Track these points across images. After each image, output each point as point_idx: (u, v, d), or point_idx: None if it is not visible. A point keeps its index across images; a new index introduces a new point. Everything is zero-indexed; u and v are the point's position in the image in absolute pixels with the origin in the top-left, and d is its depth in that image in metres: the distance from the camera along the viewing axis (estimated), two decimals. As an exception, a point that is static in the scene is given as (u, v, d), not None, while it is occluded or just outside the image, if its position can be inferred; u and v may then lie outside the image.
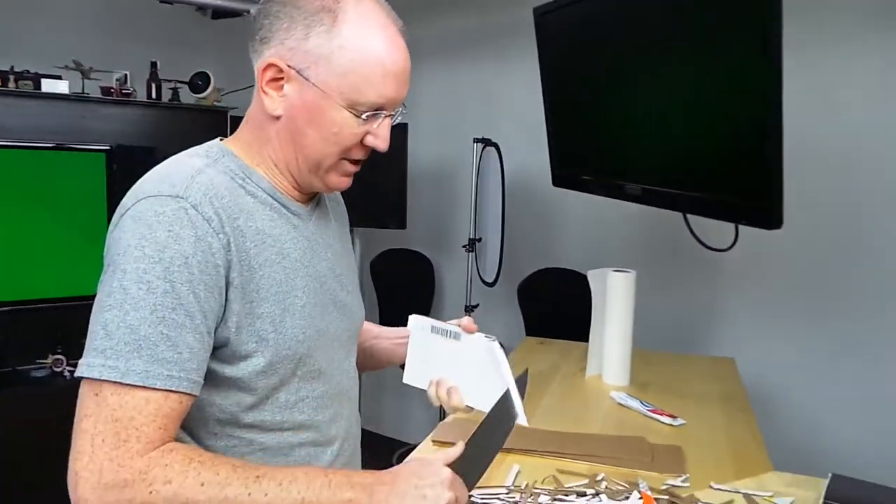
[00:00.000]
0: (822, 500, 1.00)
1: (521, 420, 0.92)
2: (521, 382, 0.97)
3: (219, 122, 3.24)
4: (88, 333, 0.75)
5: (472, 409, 0.97)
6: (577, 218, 2.89)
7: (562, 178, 2.16)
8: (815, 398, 2.39)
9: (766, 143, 1.24)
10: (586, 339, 1.81)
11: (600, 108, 1.92)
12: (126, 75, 2.98)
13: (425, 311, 3.19)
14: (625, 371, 1.73)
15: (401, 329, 1.10)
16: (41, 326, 2.72)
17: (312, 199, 0.94)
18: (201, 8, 2.93)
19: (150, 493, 0.70)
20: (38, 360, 2.71)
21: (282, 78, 0.82)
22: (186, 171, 0.80)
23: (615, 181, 1.82)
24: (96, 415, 0.71)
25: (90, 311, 0.77)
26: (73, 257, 2.73)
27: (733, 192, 1.39)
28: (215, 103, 3.25)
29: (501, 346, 0.97)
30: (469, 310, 2.71)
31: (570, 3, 1.87)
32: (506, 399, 0.91)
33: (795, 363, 2.42)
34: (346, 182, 0.90)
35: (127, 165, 2.81)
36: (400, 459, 2.54)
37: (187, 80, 3.22)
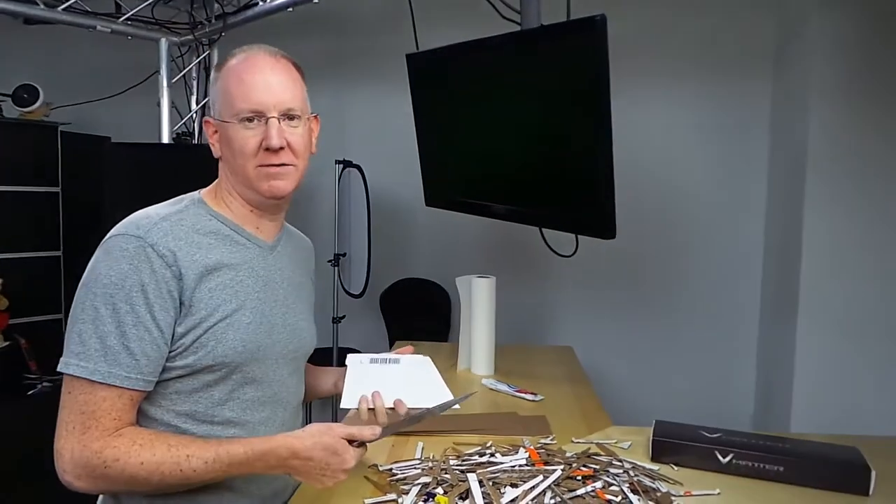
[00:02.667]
0: (651, 439, 1.34)
1: (450, 400, 1.15)
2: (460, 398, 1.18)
3: (48, 138, 2.97)
4: (66, 338, 0.96)
5: (415, 409, 1.15)
6: (427, 232, 3.17)
7: (434, 198, 2.41)
8: (635, 372, 2.99)
9: (601, 170, 1.59)
10: (444, 340, 2.07)
11: (468, 139, 2.20)
12: (-62, 86, 2.68)
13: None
14: (490, 362, 2.02)
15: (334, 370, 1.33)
16: None
17: (277, 237, 1.15)
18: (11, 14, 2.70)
19: (105, 467, 0.92)
20: None
21: (216, 131, 1.09)
22: (153, 217, 1.01)
23: (482, 202, 2.12)
24: (69, 407, 0.94)
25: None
26: None
27: (577, 210, 1.74)
28: (44, 118, 3.02)
29: None
30: (337, 321, 2.85)
31: (437, 55, 2.14)
32: (441, 407, 1.13)
33: (619, 345, 2.99)
34: (279, 185, 1.06)
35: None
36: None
37: (10, 92, 2.97)
